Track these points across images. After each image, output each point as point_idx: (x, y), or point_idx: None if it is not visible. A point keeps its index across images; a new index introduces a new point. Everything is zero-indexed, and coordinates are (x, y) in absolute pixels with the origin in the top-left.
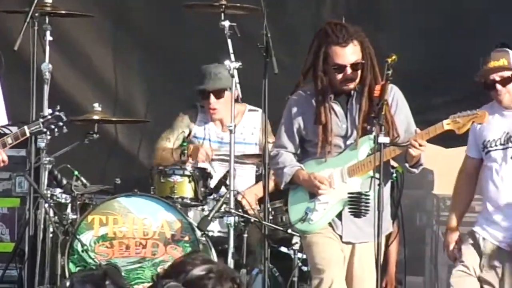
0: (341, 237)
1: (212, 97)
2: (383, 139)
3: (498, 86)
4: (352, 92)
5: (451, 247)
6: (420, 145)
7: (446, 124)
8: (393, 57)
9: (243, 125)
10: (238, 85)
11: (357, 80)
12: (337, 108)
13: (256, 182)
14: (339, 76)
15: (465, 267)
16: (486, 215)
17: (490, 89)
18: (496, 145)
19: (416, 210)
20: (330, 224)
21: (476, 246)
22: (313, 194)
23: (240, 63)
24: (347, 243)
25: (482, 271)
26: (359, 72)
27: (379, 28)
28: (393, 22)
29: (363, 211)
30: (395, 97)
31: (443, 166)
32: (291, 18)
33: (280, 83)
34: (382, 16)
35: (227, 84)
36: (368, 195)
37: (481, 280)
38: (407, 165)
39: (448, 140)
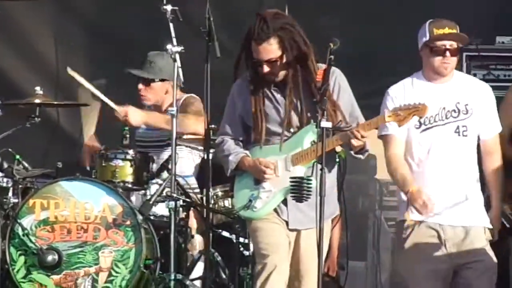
0: (287, 223)
1: (140, 84)
2: (325, 123)
3: (447, 54)
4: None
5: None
6: (362, 136)
7: (388, 117)
8: (335, 41)
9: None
10: (180, 70)
11: (284, 72)
12: (278, 95)
13: (201, 166)
14: (260, 69)
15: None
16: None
17: (438, 54)
18: (436, 121)
19: (358, 195)
20: (275, 210)
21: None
22: (258, 181)
23: (182, 47)
24: (293, 230)
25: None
26: (279, 64)
27: (322, 12)
28: (335, 6)
29: (304, 195)
30: (337, 80)
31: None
32: (236, 2)
33: (223, 68)
34: (325, 0)
35: (158, 75)
36: (310, 180)
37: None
38: (352, 152)
39: None
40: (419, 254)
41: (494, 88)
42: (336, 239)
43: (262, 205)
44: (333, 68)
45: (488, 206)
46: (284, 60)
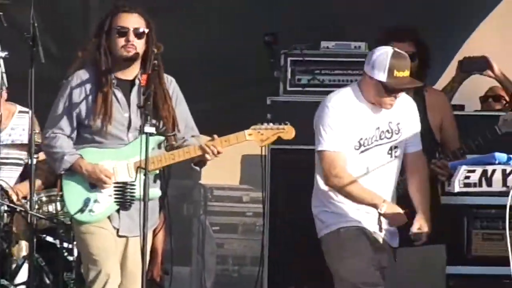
0: (117, 230)
1: None
2: (148, 129)
3: (399, 95)
4: (136, 80)
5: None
6: (218, 152)
7: (248, 135)
8: (160, 46)
9: (12, 127)
10: (4, 75)
11: (139, 51)
12: (119, 95)
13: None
14: (121, 40)
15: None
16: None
17: (390, 94)
18: (372, 143)
19: (183, 200)
20: (108, 216)
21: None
22: (95, 185)
23: (6, 53)
24: (122, 236)
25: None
26: (143, 42)
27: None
28: (171, 8)
29: (128, 201)
30: (175, 90)
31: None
32: (61, 7)
33: (48, 73)
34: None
35: None
36: (134, 185)
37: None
38: (192, 164)
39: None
40: (358, 248)
41: (318, 93)
42: (160, 244)
43: (101, 210)
44: (170, 77)
45: None
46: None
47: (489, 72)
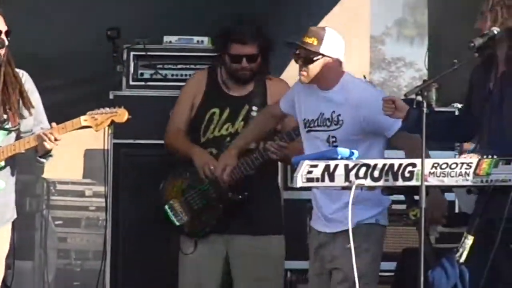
0: None
1: None
2: None
3: (300, 63)
4: None
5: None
6: (55, 139)
7: (84, 120)
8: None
9: None
10: None
11: None
12: None
13: None
14: None
15: None
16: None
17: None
18: (315, 126)
19: (25, 195)
20: None
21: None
22: None
23: None
24: None
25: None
26: None
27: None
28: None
29: None
30: (27, 82)
31: (61, 149)
32: None
33: None
34: None
35: None
36: None
37: None
38: (37, 156)
39: None
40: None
41: (162, 87)
42: None
43: None
44: (22, 71)
45: None
46: None
47: None
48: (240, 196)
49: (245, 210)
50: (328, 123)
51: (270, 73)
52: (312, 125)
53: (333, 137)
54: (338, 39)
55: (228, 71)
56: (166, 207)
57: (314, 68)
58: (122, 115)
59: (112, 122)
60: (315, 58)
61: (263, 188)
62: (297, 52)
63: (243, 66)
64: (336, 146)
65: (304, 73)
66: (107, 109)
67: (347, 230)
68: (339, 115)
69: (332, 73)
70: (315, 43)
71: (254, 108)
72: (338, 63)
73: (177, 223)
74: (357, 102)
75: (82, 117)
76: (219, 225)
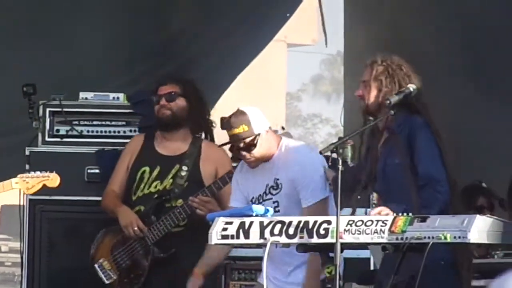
0: None
1: None
2: None
3: (243, 153)
4: None
5: None
6: None
7: (15, 183)
8: None
9: None
10: None
11: None
12: None
13: None
14: None
15: None
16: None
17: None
18: (263, 199)
19: None
20: None
21: None
22: None
23: None
24: None
25: None
26: None
27: None
28: None
29: None
30: None
31: None
32: None
33: None
34: None
35: None
36: None
37: None
38: None
39: None
40: None
41: (77, 144)
42: None
43: None
44: None
45: None
46: None
47: None
48: (162, 254)
49: (171, 267)
50: (273, 191)
51: (209, 115)
52: (260, 199)
53: (275, 202)
54: (258, 111)
55: (156, 118)
56: (96, 266)
57: (258, 149)
58: (54, 180)
59: (44, 186)
60: (255, 141)
61: (195, 245)
62: (235, 147)
63: (161, 104)
64: (278, 211)
65: (252, 158)
66: (39, 173)
67: None
68: (278, 179)
69: (272, 142)
70: (246, 128)
71: (184, 168)
72: (270, 131)
73: (106, 281)
74: (290, 164)
75: (13, 180)
76: (146, 283)
